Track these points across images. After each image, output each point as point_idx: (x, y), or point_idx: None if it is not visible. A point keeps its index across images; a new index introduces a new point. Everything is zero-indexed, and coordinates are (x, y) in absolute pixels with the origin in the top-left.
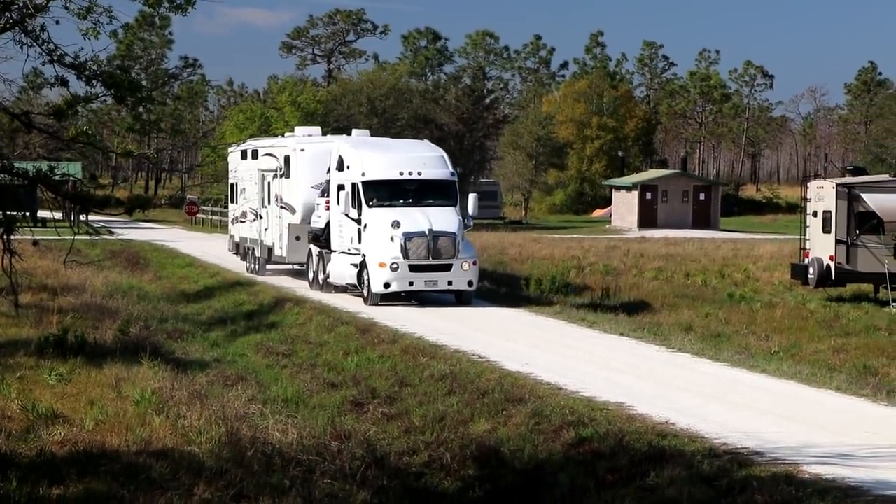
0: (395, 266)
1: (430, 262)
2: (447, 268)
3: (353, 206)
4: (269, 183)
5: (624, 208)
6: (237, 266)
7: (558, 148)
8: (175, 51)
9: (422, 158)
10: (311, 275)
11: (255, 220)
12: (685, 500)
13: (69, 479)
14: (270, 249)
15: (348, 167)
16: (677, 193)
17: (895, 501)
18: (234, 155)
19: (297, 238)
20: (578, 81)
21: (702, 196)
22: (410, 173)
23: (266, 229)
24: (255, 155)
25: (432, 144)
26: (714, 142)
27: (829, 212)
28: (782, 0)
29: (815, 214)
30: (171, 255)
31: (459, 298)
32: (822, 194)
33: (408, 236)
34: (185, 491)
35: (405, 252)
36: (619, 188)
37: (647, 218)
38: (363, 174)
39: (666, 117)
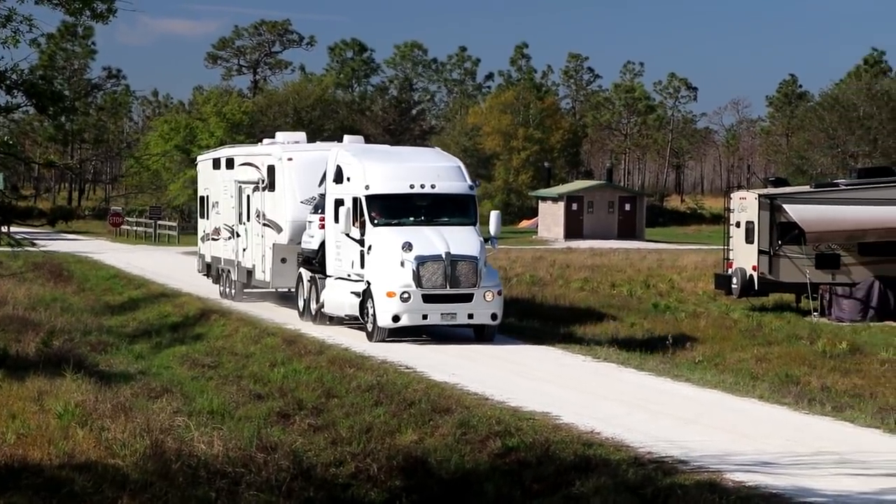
0: (406, 296)
1: (448, 291)
2: (468, 298)
3: (355, 225)
4: (247, 196)
5: (550, 219)
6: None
7: (485, 159)
8: (98, 61)
9: (435, 169)
10: (301, 303)
11: (230, 238)
12: None
13: None
14: (250, 272)
15: (349, 179)
16: (603, 204)
17: None
18: (204, 164)
19: (283, 260)
20: (504, 93)
21: (627, 207)
22: (423, 186)
23: (245, 249)
24: (230, 164)
25: (445, 153)
26: (639, 153)
27: (752, 222)
28: (705, 14)
29: (738, 225)
30: (94, 267)
31: (481, 334)
32: (745, 205)
33: (421, 260)
34: None
35: (418, 279)
36: (545, 199)
37: (574, 229)
38: (367, 187)
39: (591, 129)
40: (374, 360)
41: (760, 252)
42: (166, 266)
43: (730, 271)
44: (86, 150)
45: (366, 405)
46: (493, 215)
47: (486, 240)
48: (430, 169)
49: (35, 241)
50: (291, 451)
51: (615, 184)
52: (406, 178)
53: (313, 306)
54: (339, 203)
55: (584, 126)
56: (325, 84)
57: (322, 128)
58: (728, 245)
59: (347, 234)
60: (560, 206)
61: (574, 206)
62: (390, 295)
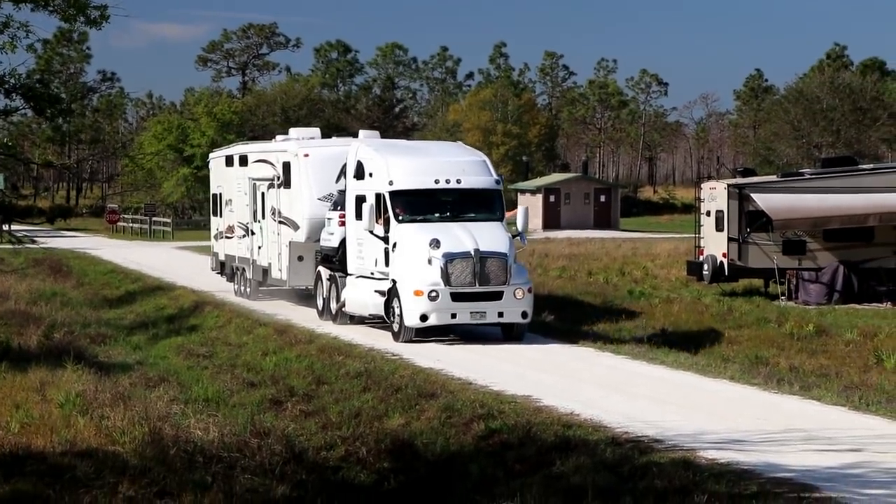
0: (434, 294)
1: (477, 289)
2: (497, 296)
3: (378, 222)
4: (262, 194)
5: (529, 211)
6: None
7: None
8: (93, 65)
9: (460, 164)
10: (320, 302)
11: (244, 236)
12: (590, 486)
13: None
14: (266, 271)
15: (371, 175)
16: (579, 196)
17: (785, 483)
18: (216, 161)
19: (300, 258)
20: (483, 90)
21: (602, 198)
22: (448, 181)
23: (260, 247)
24: (243, 161)
25: (469, 147)
26: (613, 146)
27: (722, 211)
28: (675, 12)
29: (708, 214)
30: (93, 263)
31: (509, 333)
32: (715, 195)
33: (449, 258)
34: (109, 489)
35: (446, 277)
36: (523, 192)
37: (551, 220)
38: (391, 183)
39: (567, 124)
40: (362, 348)
41: (730, 239)
42: (161, 261)
43: (701, 258)
44: (82, 151)
45: (354, 391)
46: (521, 210)
47: (514, 236)
48: (455, 163)
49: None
50: (284, 436)
51: (591, 176)
52: (431, 172)
53: (333, 305)
54: (360, 199)
55: (560, 121)
56: (312, 84)
57: (309, 126)
58: (699, 233)
59: (371, 231)
60: (538, 198)
61: (552, 198)
62: (418, 294)
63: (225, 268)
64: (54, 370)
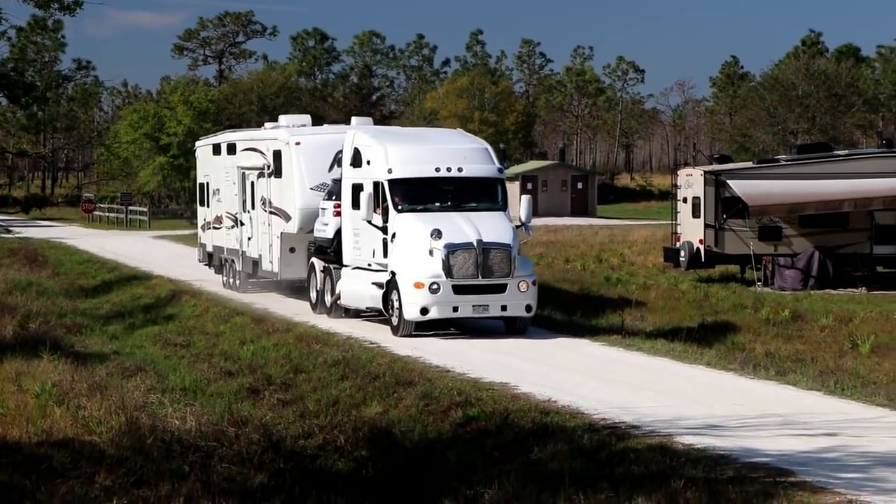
0: (435, 287)
1: (480, 281)
2: (501, 288)
3: (377, 212)
4: (252, 183)
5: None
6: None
7: None
8: (68, 53)
9: (461, 151)
10: (314, 295)
11: (233, 226)
12: (567, 472)
13: None
14: (256, 262)
15: (368, 162)
16: (556, 183)
17: (761, 467)
18: (203, 149)
19: (292, 250)
20: (460, 78)
21: (579, 185)
22: (449, 170)
23: (250, 238)
24: (231, 150)
25: (470, 135)
26: (590, 133)
27: (699, 198)
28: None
29: (685, 200)
30: (68, 252)
31: (512, 327)
32: (692, 181)
33: (451, 249)
34: (86, 479)
35: (448, 269)
36: None
37: None
38: (390, 171)
39: (544, 111)
40: (340, 337)
41: (706, 226)
42: (137, 250)
43: (678, 245)
44: (58, 140)
45: (332, 379)
46: (524, 200)
47: (517, 226)
48: (457, 151)
49: (10, 228)
50: (262, 425)
51: (568, 163)
52: (431, 160)
53: (328, 298)
54: (357, 188)
55: (537, 109)
56: (288, 72)
57: (287, 114)
58: (676, 220)
59: (369, 221)
60: (516, 186)
61: (529, 186)
62: (418, 286)
63: (213, 259)
64: (30, 360)
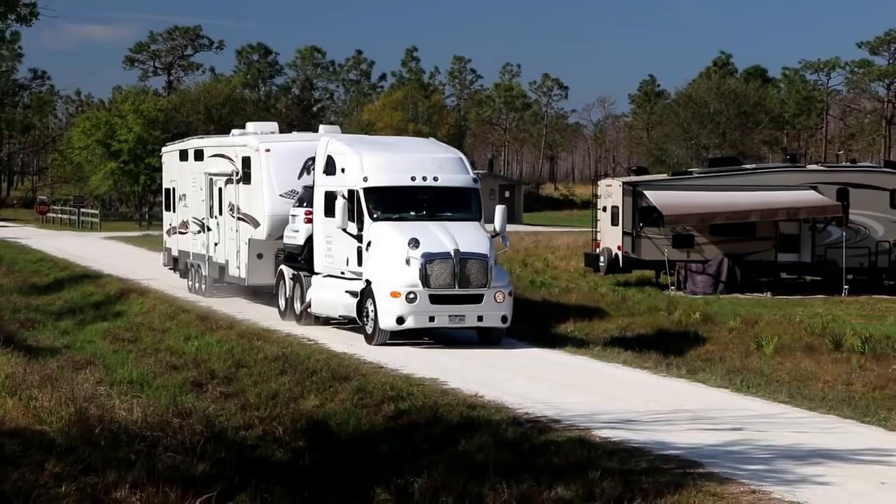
0: (411, 296)
1: (457, 291)
2: (477, 299)
3: (352, 220)
4: (220, 189)
5: None
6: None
7: None
8: (25, 63)
9: (437, 160)
10: (282, 302)
11: (199, 232)
12: (491, 463)
13: None
14: (223, 268)
15: (343, 170)
16: (485, 192)
17: (673, 459)
18: (169, 155)
19: (260, 256)
20: (396, 92)
21: (507, 194)
22: (425, 179)
23: (216, 244)
24: (199, 156)
25: (444, 144)
26: (517, 146)
27: (617, 207)
28: (575, 19)
29: (604, 209)
30: (23, 251)
31: (487, 337)
32: (611, 192)
33: (428, 258)
34: (36, 466)
35: (425, 278)
36: None
37: None
38: (365, 179)
39: (474, 124)
40: (280, 333)
41: (624, 233)
42: (89, 250)
43: (598, 251)
44: (14, 144)
45: (272, 374)
46: (499, 210)
47: (492, 236)
48: (432, 160)
49: None
50: (205, 417)
51: (496, 173)
52: (406, 169)
53: (297, 306)
54: (330, 196)
55: (468, 122)
56: (234, 84)
57: (231, 124)
58: (596, 227)
59: (343, 229)
60: None
61: None
62: (394, 295)
63: (178, 263)
64: None
